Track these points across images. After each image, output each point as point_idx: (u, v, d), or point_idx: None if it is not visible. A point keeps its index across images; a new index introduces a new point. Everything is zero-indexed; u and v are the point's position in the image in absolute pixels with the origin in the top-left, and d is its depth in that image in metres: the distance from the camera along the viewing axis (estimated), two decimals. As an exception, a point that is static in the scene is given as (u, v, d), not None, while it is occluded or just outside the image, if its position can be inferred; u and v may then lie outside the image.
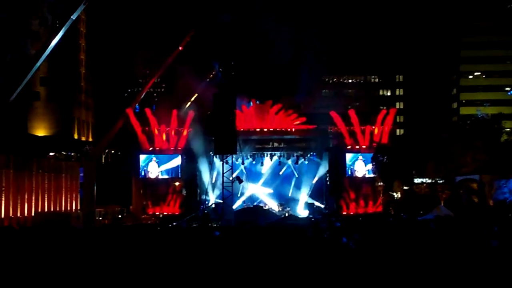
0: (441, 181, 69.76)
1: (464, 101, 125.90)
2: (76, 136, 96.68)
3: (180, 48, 76.40)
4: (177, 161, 73.44)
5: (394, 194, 73.36)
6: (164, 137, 73.59)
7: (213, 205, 73.27)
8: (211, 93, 69.27)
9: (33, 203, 59.04)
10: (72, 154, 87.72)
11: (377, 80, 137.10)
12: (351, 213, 71.48)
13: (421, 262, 18.33)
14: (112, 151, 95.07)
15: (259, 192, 76.67)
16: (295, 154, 75.81)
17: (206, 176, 74.08)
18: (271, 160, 76.26)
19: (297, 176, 76.60)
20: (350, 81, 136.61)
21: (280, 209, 74.12)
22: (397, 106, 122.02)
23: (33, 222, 57.14)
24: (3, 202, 53.84)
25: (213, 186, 74.40)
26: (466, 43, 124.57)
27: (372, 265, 19.45)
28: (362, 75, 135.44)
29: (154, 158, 73.11)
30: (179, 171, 73.45)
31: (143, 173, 73.22)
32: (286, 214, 71.53)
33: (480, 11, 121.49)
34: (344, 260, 20.74)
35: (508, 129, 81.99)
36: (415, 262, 18.59)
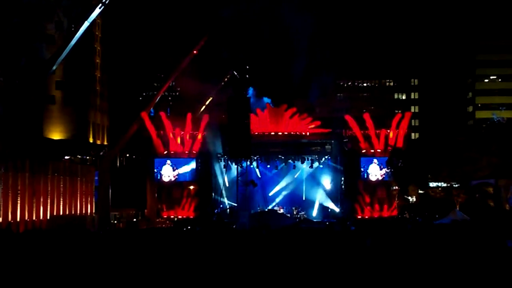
0: (456, 185, 69.43)
1: (479, 105, 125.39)
2: (91, 140, 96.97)
3: (195, 51, 76.46)
4: (191, 165, 73.48)
5: (409, 198, 73.08)
6: (178, 140, 73.64)
7: (228, 209, 73.33)
8: (225, 96, 69.28)
9: (48, 207, 59.25)
10: (87, 157, 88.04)
11: (392, 83, 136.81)
12: (366, 217, 71.30)
13: (440, 268, 18.21)
14: (127, 155, 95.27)
15: (273, 195, 76.55)
16: (309, 158, 75.56)
17: (220, 180, 74.08)
18: (286, 164, 76.11)
19: (311, 179, 76.42)
20: (365, 84, 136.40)
21: (295, 213, 74.02)
22: (412, 110, 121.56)
23: (48, 225, 57.33)
24: (18, 205, 54.05)
25: (228, 189, 74.40)
26: (481, 46, 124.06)
27: (387, 269, 19.34)
28: (377, 78, 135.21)
29: (168, 162, 73.17)
30: (194, 174, 73.48)
31: (158, 177, 73.29)
32: (301, 218, 71.49)
33: (496, 14, 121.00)
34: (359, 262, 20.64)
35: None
36: (434, 268, 18.47)
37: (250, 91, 76.01)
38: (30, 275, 20.41)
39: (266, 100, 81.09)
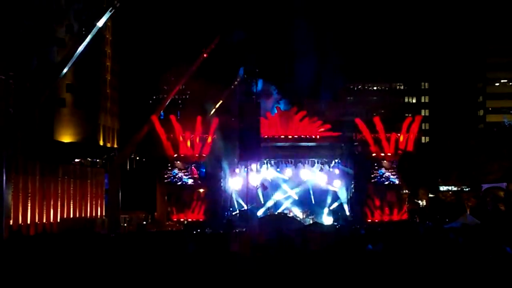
0: (467, 189, 69.29)
1: (490, 109, 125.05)
2: (101, 143, 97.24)
3: (205, 55, 76.41)
4: (201, 168, 73.46)
5: (420, 201, 72.95)
6: (188, 144, 73.63)
7: (238, 213, 73.23)
8: (236, 99, 69.20)
9: (58, 209, 59.39)
10: (98, 160, 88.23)
11: (402, 87, 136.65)
12: (376, 220, 71.06)
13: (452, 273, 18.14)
14: (137, 158, 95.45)
15: (283, 198, 76.43)
16: (319, 161, 75.44)
17: (230, 183, 74.05)
18: (296, 167, 76.00)
19: (321, 183, 76.24)
20: (375, 88, 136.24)
21: (304, 217, 73.92)
22: (423, 113, 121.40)
23: (59, 228, 57.46)
24: (29, 208, 54.20)
25: (238, 193, 74.34)
26: (492, 49, 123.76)
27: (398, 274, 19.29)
28: (387, 82, 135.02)
29: (178, 165, 73.17)
30: (204, 178, 73.44)
31: (167, 180, 73.29)
32: (311, 221, 71.31)
33: (506, 17, 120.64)
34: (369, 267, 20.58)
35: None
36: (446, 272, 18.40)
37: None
38: (40, 278, 20.48)
39: (273, 89, 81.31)
